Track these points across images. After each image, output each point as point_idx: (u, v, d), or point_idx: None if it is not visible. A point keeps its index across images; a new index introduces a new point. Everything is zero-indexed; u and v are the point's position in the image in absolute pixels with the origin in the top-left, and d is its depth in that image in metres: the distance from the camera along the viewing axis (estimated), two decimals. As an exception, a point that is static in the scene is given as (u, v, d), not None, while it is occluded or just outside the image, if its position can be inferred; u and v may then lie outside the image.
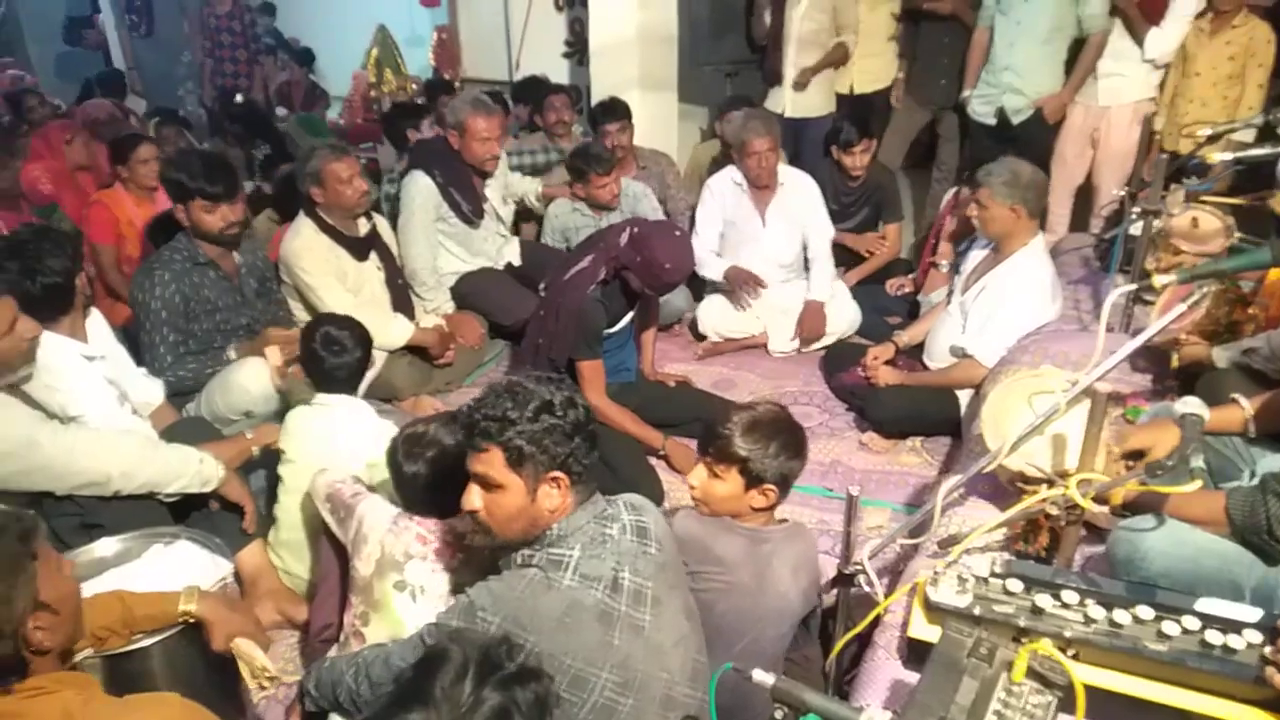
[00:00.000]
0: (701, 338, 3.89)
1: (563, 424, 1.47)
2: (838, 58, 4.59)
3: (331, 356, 2.36)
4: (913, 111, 4.76)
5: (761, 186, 3.72)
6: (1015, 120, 4.06)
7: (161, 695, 1.35)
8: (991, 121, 4.14)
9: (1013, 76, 4.01)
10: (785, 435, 1.84)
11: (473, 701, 0.97)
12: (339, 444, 2.30)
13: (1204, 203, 2.89)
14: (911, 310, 3.83)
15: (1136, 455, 1.81)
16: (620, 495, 1.63)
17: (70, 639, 1.39)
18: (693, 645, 1.56)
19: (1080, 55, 3.96)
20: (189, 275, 2.81)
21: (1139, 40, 3.84)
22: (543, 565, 1.47)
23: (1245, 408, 1.88)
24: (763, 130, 3.59)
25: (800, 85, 4.58)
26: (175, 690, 1.71)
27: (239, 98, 5.48)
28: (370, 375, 3.11)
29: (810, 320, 3.72)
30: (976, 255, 3.13)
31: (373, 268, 3.37)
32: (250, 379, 2.74)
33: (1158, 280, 2.00)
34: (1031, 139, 3.98)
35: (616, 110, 4.17)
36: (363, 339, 2.43)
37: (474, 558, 1.90)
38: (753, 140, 3.58)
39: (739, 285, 3.76)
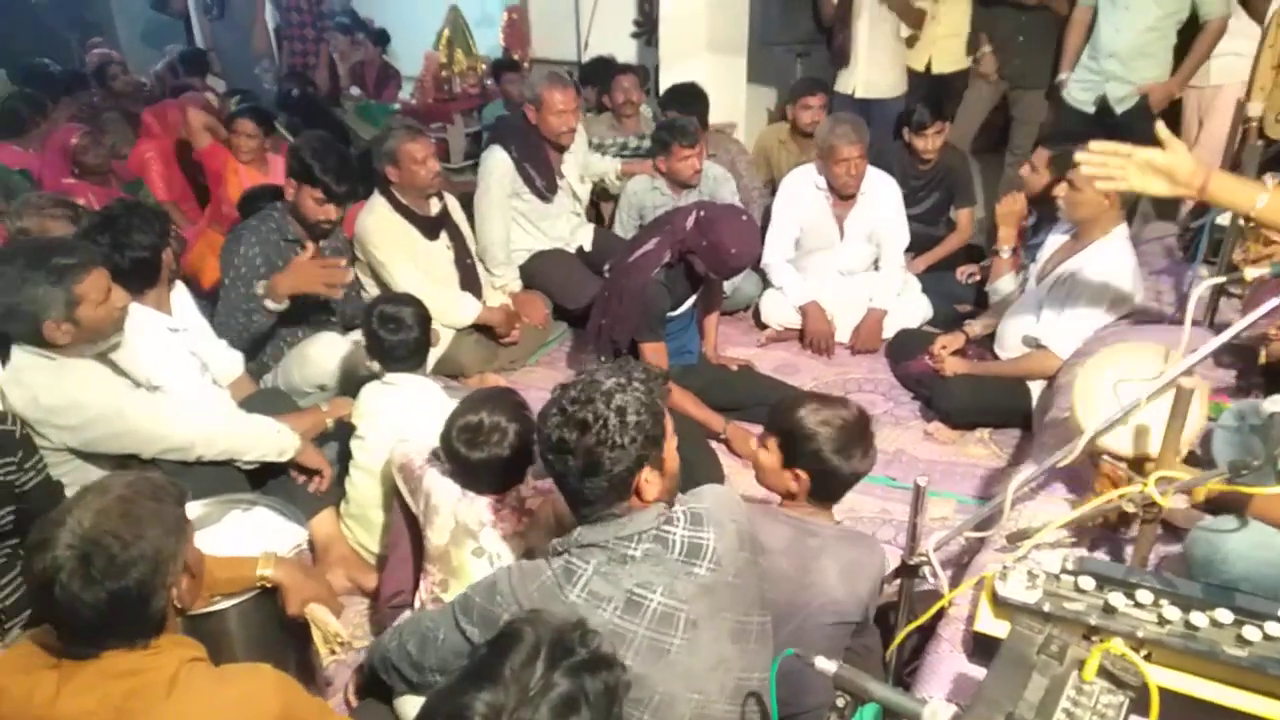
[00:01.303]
0: (764, 326, 3.86)
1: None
2: (915, 18, 4.45)
3: (389, 335, 2.39)
4: (985, 93, 4.62)
5: (847, 196, 3.63)
6: (1119, 109, 3.90)
7: (256, 666, 1.40)
8: (1090, 109, 3.97)
9: (1117, 65, 3.85)
10: (839, 428, 1.78)
11: (542, 685, 0.98)
12: (408, 422, 2.34)
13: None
14: (978, 299, 3.73)
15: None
16: (690, 500, 1.53)
17: (195, 600, 1.48)
18: (737, 666, 1.46)
19: (1195, 42, 3.77)
20: (276, 247, 2.88)
21: (1259, 15, 3.65)
22: (558, 573, 1.43)
23: None
24: (853, 136, 3.46)
25: (911, 41, 4.46)
26: (249, 651, 1.80)
27: (294, 91, 5.54)
28: (438, 352, 3.17)
29: (868, 331, 3.64)
30: (1054, 242, 3.03)
31: (442, 247, 3.42)
32: (324, 354, 2.82)
33: (1249, 272, 1.91)
34: (1133, 128, 3.80)
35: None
36: (420, 317, 2.44)
37: (538, 520, 1.95)
38: (842, 147, 3.46)
39: (811, 338, 3.66)
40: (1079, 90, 4.03)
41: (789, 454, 1.81)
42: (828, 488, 1.84)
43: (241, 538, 2.00)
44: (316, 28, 6.62)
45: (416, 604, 2.01)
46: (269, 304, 2.77)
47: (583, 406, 1.40)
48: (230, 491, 2.19)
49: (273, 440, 2.33)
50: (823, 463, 1.78)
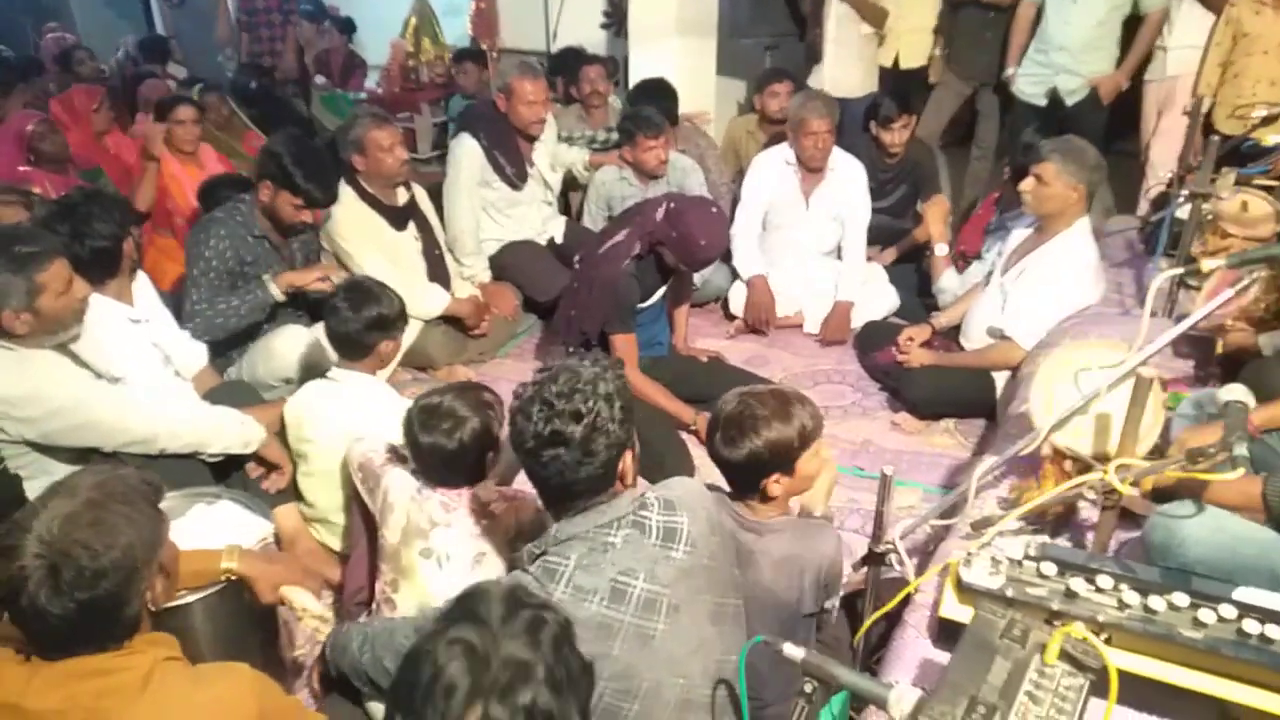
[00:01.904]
0: (734, 318, 3.87)
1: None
2: (876, 16, 4.48)
3: (342, 311, 2.29)
4: (952, 88, 4.67)
5: (814, 169, 3.68)
6: (1069, 101, 3.99)
7: (232, 667, 1.37)
8: (1041, 102, 4.06)
9: (1067, 57, 3.94)
10: (730, 415, 1.76)
11: (510, 617, 1.05)
12: (356, 420, 2.27)
13: (1256, 187, 2.82)
14: (921, 290, 3.76)
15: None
16: (659, 489, 1.55)
17: (169, 599, 1.43)
18: (717, 649, 1.49)
19: (1138, 34, 3.88)
20: (244, 242, 2.84)
21: (1215, 8, 3.73)
22: (538, 574, 1.44)
23: None
24: (823, 111, 3.55)
25: (880, 40, 4.49)
26: (214, 645, 1.78)
27: (252, 84, 5.44)
28: (405, 342, 3.14)
29: (836, 323, 3.69)
30: (1018, 235, 3.08)
31: (410, 237, 3.39)
32: (289, 347, 2.78)
33: (1205, 264, 1.95)
34: (1084, 120, 3.90)
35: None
36: (383, 311, 2.32)
37: (498, 525, 1.93)
38: (812, 120, 3.55)
39: (752, 310, 3.73)
40: (1028, 84, 4.11)
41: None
42: (727, 476, 1.82)
43: (206, 531, 1.97)
44: (283, 12, 6.52)
45: (373, 604, 2.00)
46: (275, 291, 2.81)
47: (569, 398, 1.41)
48: (194, 484, 2.16)
49: (237, 432, 2.30)
50: (714, 450, 1.79)
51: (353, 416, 2.29)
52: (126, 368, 2.32)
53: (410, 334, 3.20)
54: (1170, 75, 3.95)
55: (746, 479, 1.78)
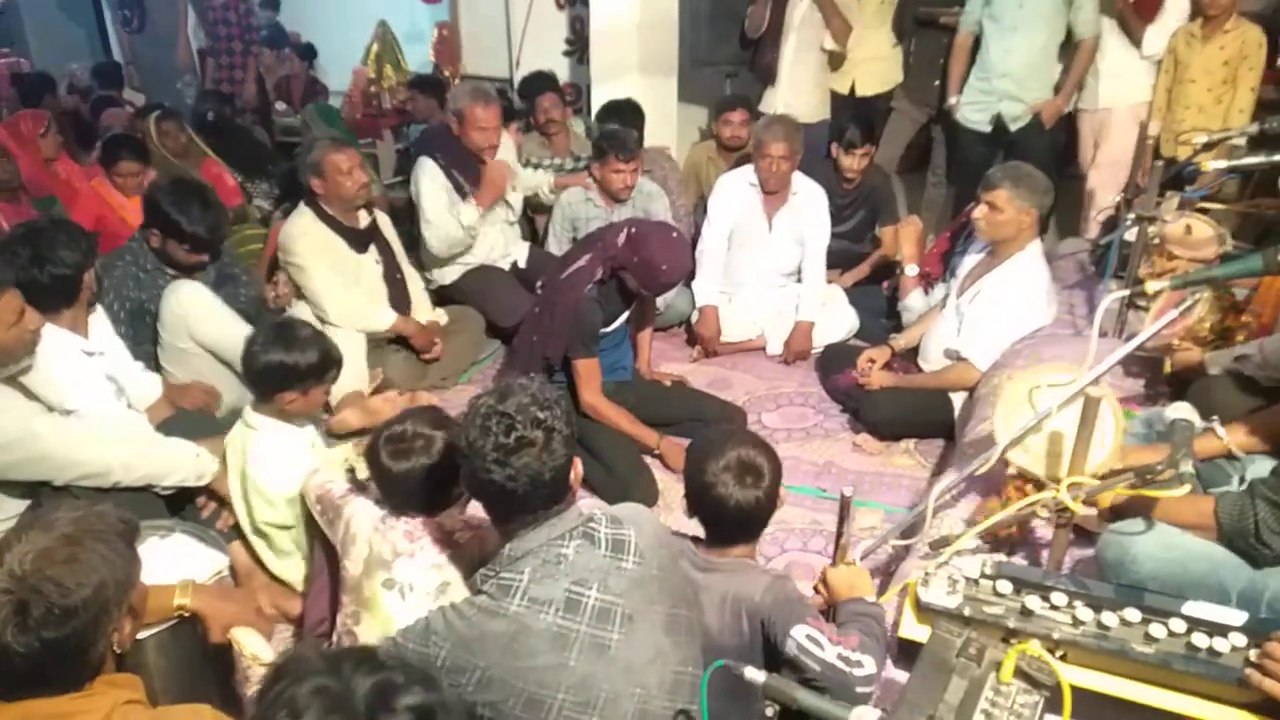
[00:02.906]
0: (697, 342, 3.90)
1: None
2: (841, 30, 4.52)
3: (253, 344, 2.21)
4: (908, 115, 4.77)
5: (769, 192, 3.72)
6: (1014, 127, 4.09)
7: (194, 708, 1.33)
8: (986, 129, 4.15)
9: (1010, 84, 4.03)
10: (741, 459, 1.72)
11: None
12: (256, 474, 2.23)
13: (1200, 210, 2.91)
14: (889, 312, 3.82)
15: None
16: (611, 507, 1.62)
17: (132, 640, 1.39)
18: (673, 659, 1.51)
19: (1074, 60, 4.01)
20: (136, 278, 2.81)
21: (1136, 40, 3.86)
22: (492, 592, 1.47)
23: (1223, 438, 1.90)
24: (781, 136, 3.57)
25: (836, 63, 4.56)
26: (169, 683, 1.74)
27: (210, 115, 5.41)
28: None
29: (797, 342, 3.73)
30: (972, 259, 3.14)
31: (371, 261, 3.37)
32: (185, 303, 2.74)
33: (1150, 286, 2.01)
34: (1029, 145, 4.00)
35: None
36: (285, 360, 2.20)
37: (462, 554, 1.91)
38: (769, 143, 3.58)
39: (699, 336, 3.79)
40: (972, 111, 4.20)
41: (691, 503, 1.78)
42: (720, 532, 1.77)
43: (160, 565, 1.92)
44: (244, 40, 6.49)
45: (334, 636, 1.96)
46: None
47: (525, 410, 1.47)
48: (147, 517, 2.10)
49: (191, 465, 2.26)
50: (716, 508, 1.71)
51: (252, 470, 2.25)
52: (80, 400, 2.27)
53: (355, 355, 3.13)
54: (1103, 107, 4.06)
55: (758, 520, 1.72)
